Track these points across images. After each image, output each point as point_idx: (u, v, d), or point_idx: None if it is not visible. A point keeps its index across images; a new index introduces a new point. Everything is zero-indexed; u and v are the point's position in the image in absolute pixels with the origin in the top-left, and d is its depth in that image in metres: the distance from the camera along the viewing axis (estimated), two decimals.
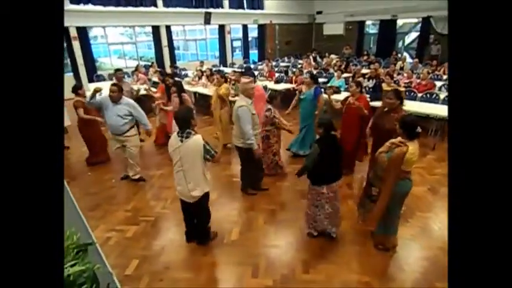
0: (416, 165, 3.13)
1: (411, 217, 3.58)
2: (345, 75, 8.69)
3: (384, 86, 6.14)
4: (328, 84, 7.39)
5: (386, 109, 3.47)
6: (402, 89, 6.31)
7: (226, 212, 3.80)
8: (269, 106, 4.39)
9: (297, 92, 5.37)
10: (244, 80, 3.76)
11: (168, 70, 10.83)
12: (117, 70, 5.98)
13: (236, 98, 5.33)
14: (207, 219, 3.19)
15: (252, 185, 4.20)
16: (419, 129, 2.64)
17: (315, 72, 9.94)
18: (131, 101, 4.35)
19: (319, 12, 16.45)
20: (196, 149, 2.75)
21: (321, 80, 8.94)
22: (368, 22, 15.55)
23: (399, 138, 2.69)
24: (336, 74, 7.83)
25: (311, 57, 12.76)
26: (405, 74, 8.16)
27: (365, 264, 2.92)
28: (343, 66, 9.74)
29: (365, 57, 12.67)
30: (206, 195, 3.00)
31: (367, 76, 7.71)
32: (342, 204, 3.79)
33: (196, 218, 3.16)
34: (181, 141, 2.75)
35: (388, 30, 14.17)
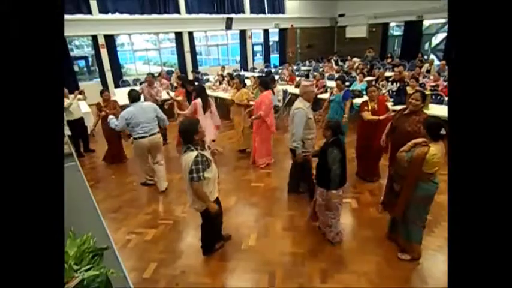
0: (441, 172, 2.99)
1: (436, 227, 3.40)
2: (368, 78, 8.49)
3: (409, 90, 5.91)
4: (351, 88, 7.24)
5: (406, 111, 3.36)
6: (428, 92, 6.07)
7: (245, 217, 3.79)
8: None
9: (327, 94, 5.30)
10: (304, 83, 3.80)
11: (190, 75, 11.04)
12: (149, 74, 6.51)
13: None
14: (208, 234, 3.09)
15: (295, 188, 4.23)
16: (443, 131, 2.54)
17: (336, 75, 9.81)
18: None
19: (342, 15, 16.24)
20: (186, 165, 2.61)
21: None
22: (392, 24, 15.14)
23: (423, 138, 2.62)
24: (358, 77, 7.66)
25: (332, 60, 12.59)
26: (431, 77, 7.85)
27: (386, 275, 2.80)
28: (366, 70, 9.52)
29: (389, 60, 12.33)
30: (208, 212, 2.80)
31: (391, 79, 7.48)
32: (363, 212, 3.80)
33: (201, 228, 3.09)
34: (182, 154, 2.69)
35: (414, 31, 13.73)
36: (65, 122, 5.32)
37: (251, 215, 3.86)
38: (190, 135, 2.64)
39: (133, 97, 4.28)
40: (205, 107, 4.80)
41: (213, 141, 5.21)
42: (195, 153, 2.58)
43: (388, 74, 9.12)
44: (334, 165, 2.91)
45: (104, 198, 4.35)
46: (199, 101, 4.77)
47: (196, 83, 6.41)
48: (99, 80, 10.96)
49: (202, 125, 4.93)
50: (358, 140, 4.47)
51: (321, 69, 11.16)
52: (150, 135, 4.20)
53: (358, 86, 7.20)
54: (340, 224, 3.27)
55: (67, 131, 5.21)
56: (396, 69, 8.52)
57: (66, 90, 5.79)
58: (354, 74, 9.65)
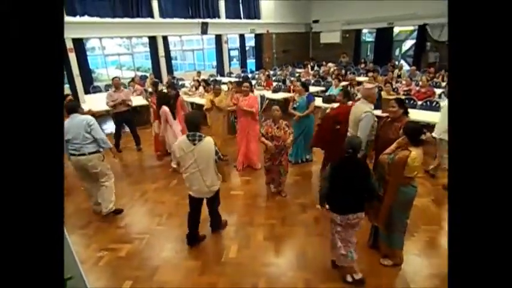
0: (418, 176, 3.04)
1: (416, 230, 3.43)
2: (344, 83, 8.63)
3: (384, 95, 6.06)
4: (327, 93, 7.32)
5: (389, 119, 3.37)
6: (402, 97, 6.24)
7: (225, 228, 3.65)
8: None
9: (290, 101, 5.41)
10: (367, 85, 3.79)
11: (165, 80, 10.76)
12: (115, 78, 6.22)
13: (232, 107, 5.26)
14: (218, 204, 3.46)
15: None
16: (423, 136, 2.56)
17: (312, 81, 9.92)
18: None
19: (316, 21, 16.52)
20: (210, 149, 2.99)
21: (319, 88, 8.92)
22: (364, 30, 15.60)
23: (405, 139, 2.63)
24: (333, 82, 7.76)
25: (309, 66, 12.74)
26: (404, 82, 8.10)
27: (370, 283, 2.76)
28: (340, 75, 9.69)
29: (362, 65, 12.64)
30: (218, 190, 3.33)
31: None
32: None
33: (210, 208, 3.40)
34: (194, 144, 2.93)
35: (385, 38, 14.20)
36: None
37: (231, 225, 3.72)
38: (198, 124, 2.97)
39: (69, 108, 3.73)
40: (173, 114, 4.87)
41: None
42: (210, 137, 3.00)
43: (361, 78, 9.32)
44: (321, 181, 2.83)
45: (73, 212, 4.06)
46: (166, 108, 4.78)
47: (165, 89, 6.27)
48: (68, 85, 10.42)
49: (176, 131, 4.80)
50: None
51: (297, 74, 11.25)
52: (78, 155, 3.66)
53: (334, 90, 7.28)
54: (339, 247, 2.73)
55: None
56: (370, 74, 8.74)
57: None
58: (329, 79, 9.79)
